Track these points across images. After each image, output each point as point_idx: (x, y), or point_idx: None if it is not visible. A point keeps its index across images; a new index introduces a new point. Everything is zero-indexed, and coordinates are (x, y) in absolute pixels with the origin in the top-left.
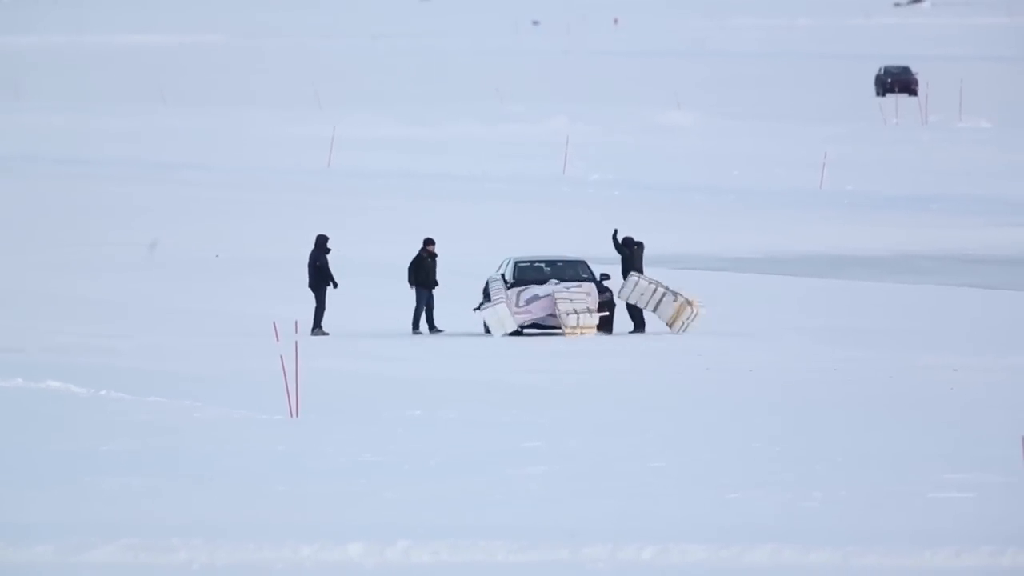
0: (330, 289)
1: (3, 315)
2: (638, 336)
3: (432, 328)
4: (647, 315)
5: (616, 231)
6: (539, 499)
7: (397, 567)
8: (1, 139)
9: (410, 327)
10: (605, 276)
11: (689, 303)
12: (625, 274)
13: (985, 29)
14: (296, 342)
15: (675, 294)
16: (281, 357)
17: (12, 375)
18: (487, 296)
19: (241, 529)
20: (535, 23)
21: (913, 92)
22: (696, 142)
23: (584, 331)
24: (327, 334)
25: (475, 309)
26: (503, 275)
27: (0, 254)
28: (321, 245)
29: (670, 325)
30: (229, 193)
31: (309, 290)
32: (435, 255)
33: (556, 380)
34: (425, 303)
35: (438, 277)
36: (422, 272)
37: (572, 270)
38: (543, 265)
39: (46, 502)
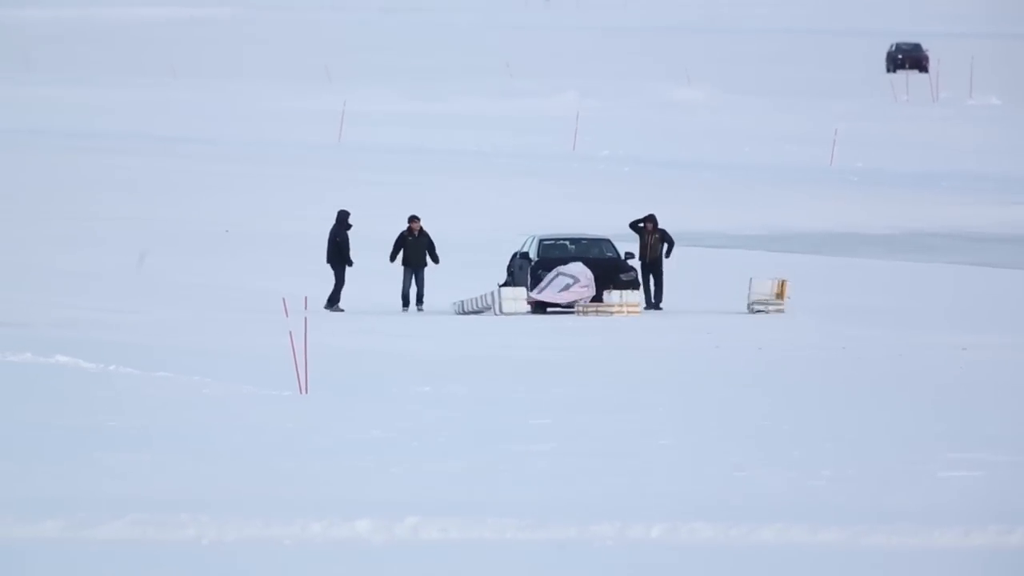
0: (352, 265)
1: (12, 289)
2: (648, 313)
3: (419, 306)
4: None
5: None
6: (547, 476)
7: (406, 544)
8: (10, 112)
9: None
10: (629, 255)
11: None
12: (640, 254)
13: (996, 5)
14: (305, 318)
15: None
16: (290, 333)
17: (21, 350)
18: (511, 275)
19: (250, 505)
20: None
21: (924, 69)
22: (706, 118)
23: (629, 310)
24: (342, 310)
25: (500, 286)
26: (527, 253)
27: (9, 228)
28: (342, 220)
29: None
30: (239, 168)
31: (327, 265)
32: (417, 233)
33: (565, 357)
34: (411, 281)
35: (439, 254)
36: (406, 250)
37: (597, 248)
38: (567, 243)
39: (54, 477)
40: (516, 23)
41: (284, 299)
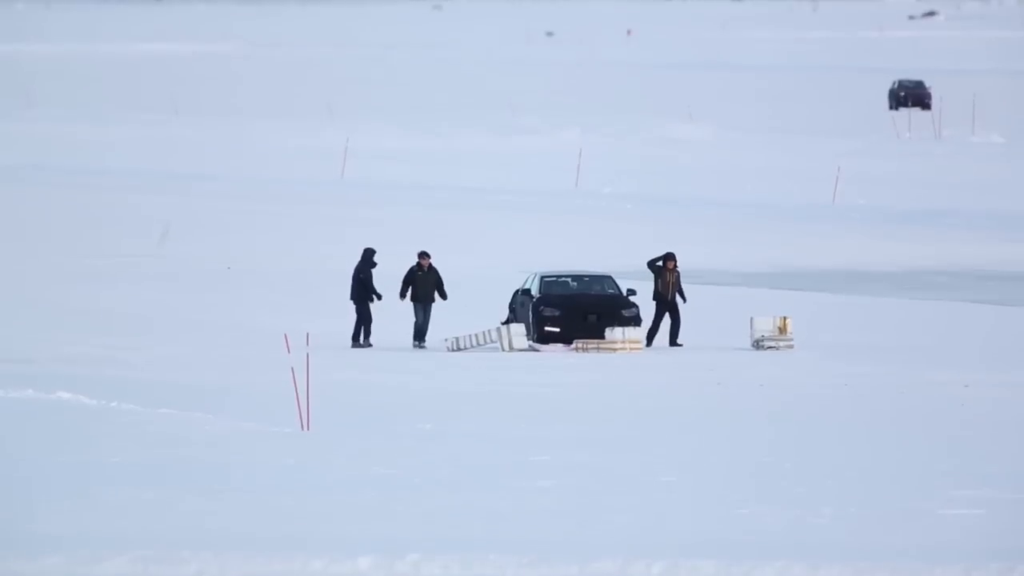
0: (373, 302)
1: (14, 325)
2: (650, 350)
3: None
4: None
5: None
6: (549, 513)
7: None
8: (13, 147)
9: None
10: (631, 291)
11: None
12: (655, 294)
13: (999, 43)
14: (307, 354)
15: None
16: (292, 369)
17: (23, 386)
18: (513, 312)
19: (251, 542)
20: (549, 34)
21: (927, 106)
22: (709, 155)
23: (632, 346)
24: (371, 346)
25: (503, 323)
26: (528, 290)
27: (11, 263)
28: (367, 258)
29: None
30: (241, 204)
31: (351, 302)
32: (427, 268)
33: (566, 393)
34: (423, 315)
35: (447, 290)
36: (415, 286)
37: (599, 285)
38: (569, 280)
39: (56, 513)
40: (519, 60)
41: (286, 335)
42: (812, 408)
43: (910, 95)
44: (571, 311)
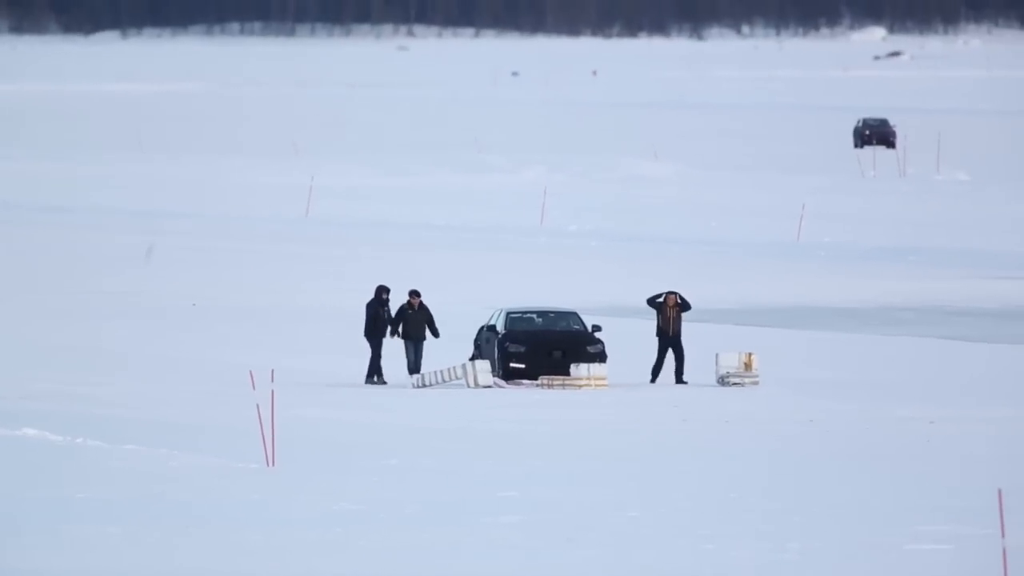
0: (386, 339)
1: None
2: (614, 387)
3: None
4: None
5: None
6: (515, 549)
7: None
8: None
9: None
10: (597, 328)
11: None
12: (657, 331)
13: (963, 82)
14: (272, 391)
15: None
16: (257, 406)
17: None
18: (478, 349)
19: None
20: (514, 74)
21: (891, 144)
22: (674, 193)
23: (596, 383)
24: (385, 383)
25: (469, 360)
26: (494, 326)
27: None
28: (378, 295)
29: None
30: (207, 242)
31: (364, 339)
32: (417, 307)
33: (531, 429)
34: (412, 355)
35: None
36: (405, 324)
37: (564, 321)
38: (535, 316)
39: (22, 550)
40: (484, 99)
41: (251, 372)
42: (777, 444)
43: (875, 133)
44: (536, 347)
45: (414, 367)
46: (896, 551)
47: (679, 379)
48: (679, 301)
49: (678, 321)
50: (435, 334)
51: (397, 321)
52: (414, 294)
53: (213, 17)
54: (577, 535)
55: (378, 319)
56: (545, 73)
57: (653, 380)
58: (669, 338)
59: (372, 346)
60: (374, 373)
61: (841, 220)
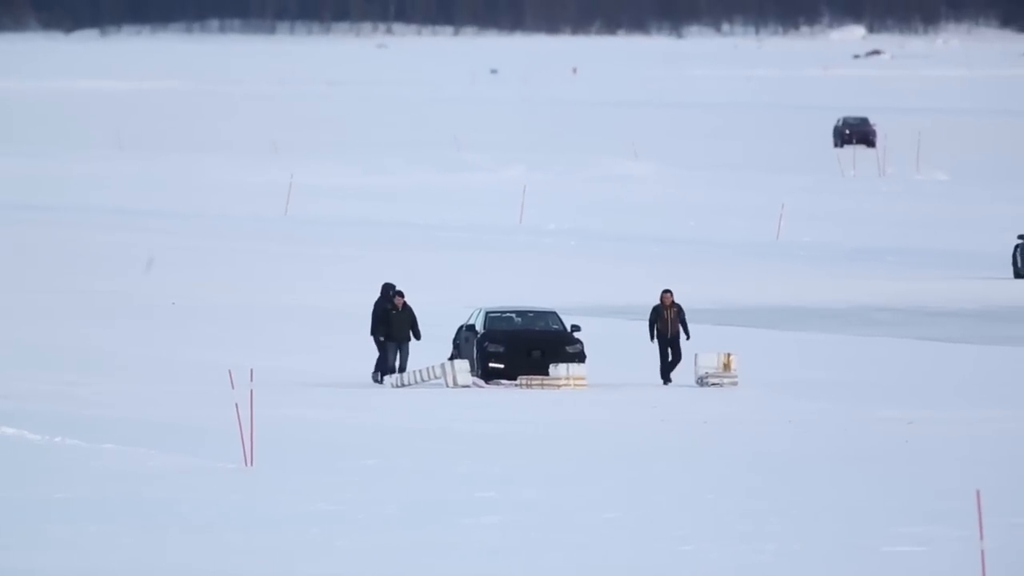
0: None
1: None
2: (593, 387)
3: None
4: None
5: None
6: (493, 549)
7: None
8: None
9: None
10: (576, 327)
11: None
12: (652, 333)
13: (943, 81)
14: (251, 390)
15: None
16: (236, 405)
17: None
18: (457, 348)
19: None
20: (493, 72)
21: (871, 144)
22: (653, 192)
23: (576, 383)
24: (380, 383)
25: (449, 359)
26: (473, 325)
27: None
28: (385, 293)
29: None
30: (186, 240)
31: (371, 337)
32: (401, 307)
33: (510, 430)
34: (395, 355)
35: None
36: (390, 325)
37: (543, 321)
38: (514, 315)
39: (1, 549)
40: (463, 97)
41: (230, 371)
42: (756, 445)
43: (855, 133)
44: (515, 347)
45: (400, 368)
46: (874, 552)
47: (666, 379)
48: (674, 301)
49: (676, 323)
50: (417, 336)
51: (381, 322)
52: (398, 294)
53: (193, 15)
54: (555, 536)
55: (382, 317)
56: (525, 71)
57: (666, 381)
58: (668, 339)
59: (379, 345)
60: (381, 371)
61: (821, 220)
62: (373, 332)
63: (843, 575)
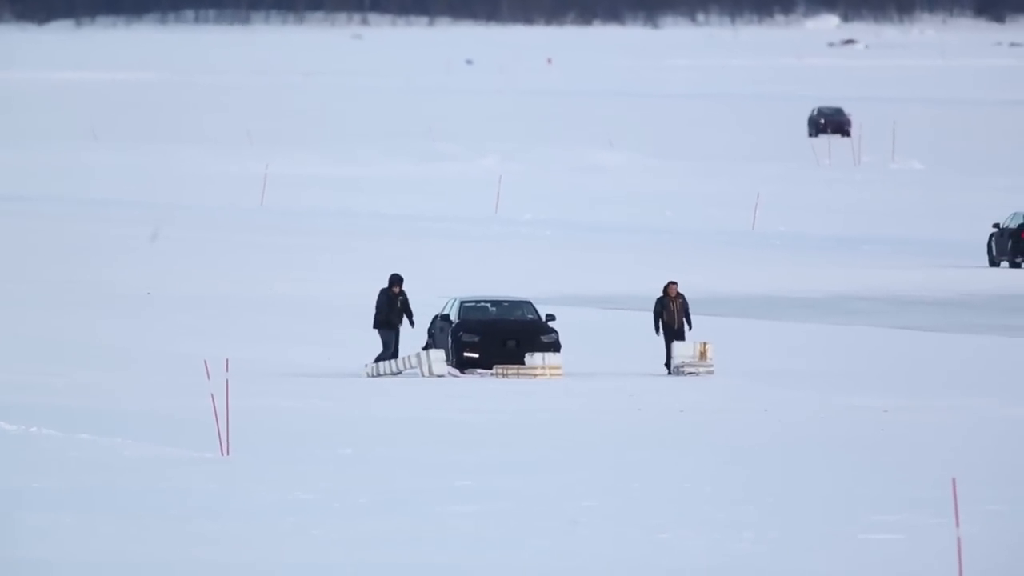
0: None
1: None
2: (569, 377)
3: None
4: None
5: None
6: (470, 538)
7: None
8: None
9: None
10: (551, 317)
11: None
12: (657, 325)
13: (918, 71)
14: (227, 380)
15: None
16: (212, 395)
17: None
18: (432, 338)
19: (171, 567)
20: (468, 62)
21: (846, 133)
22: (628, 182)
23: (552, 372)
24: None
25: (424, 348)
26: (447, 315)
27: None
28: (391, 284)
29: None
30: (161, 231)
31: (375, 329)
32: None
33: (486, 419)
34: (390, 341)
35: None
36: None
37: (518, 310)
38: (488, 305)
39: None
40: (439, 87)
41: (206, 361)
42: (732, 434)
43: (830, 122)
44: (490, 337)
45: (393, 355)
46: (850, 540)
47: (671, 370)
48: (680, 292)
49: (681, 314)
50: (412, 322)
51: (380, 309)
52: (397, 282)
53: (167, 5)
54: (531, 525)
55: (383, 308)
56: (500, 62)
57: (670, 372)
58: (674, 331)
59: (381, 336)
60: (384, 359)
61: (796, 209)
62: (377, 325)
63: (820, 562)
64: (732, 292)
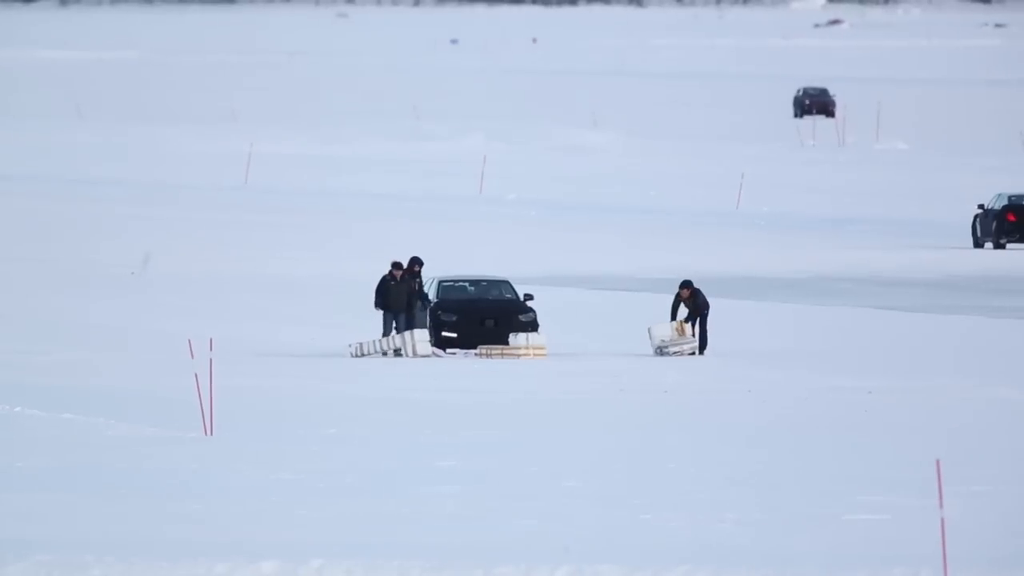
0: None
1: None
2: (553, 357)
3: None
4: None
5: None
6: (453, 518)
7: None
8: None
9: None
10: (529, 296)
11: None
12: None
13: (903, 51)
14: (211, 359)
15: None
16: (195, 374)
17: None
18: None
19: (155, 546)
20: (453, 41)
21: (831, 114)
22: (613, 162)
23: (535, 352)
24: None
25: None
26: (426, 294)
27: None
28: (410, 268)
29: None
30: (145, 210)
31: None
32: (396, 279)
33: (471, 399)
34: (391, 325)
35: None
36: (387, 295)
37: (496, 290)
38: (467, 284)
39: None
40: (423, 67)
41: (190, 341)
42: (716, 414)
43: (814, 103)
44: (468, 316)
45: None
46: (834, 521)
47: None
48: (692, 291)
49: (700, 310)
50: (424, 304)
51: (380, 293)
52: (397, 265)
53: None
54: (515, 505)
55: (381, 291)
56: (485, 41)
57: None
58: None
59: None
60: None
61: (780, 189)
62: (379, 306)
63: (804, 543)
64: (716, 272)
